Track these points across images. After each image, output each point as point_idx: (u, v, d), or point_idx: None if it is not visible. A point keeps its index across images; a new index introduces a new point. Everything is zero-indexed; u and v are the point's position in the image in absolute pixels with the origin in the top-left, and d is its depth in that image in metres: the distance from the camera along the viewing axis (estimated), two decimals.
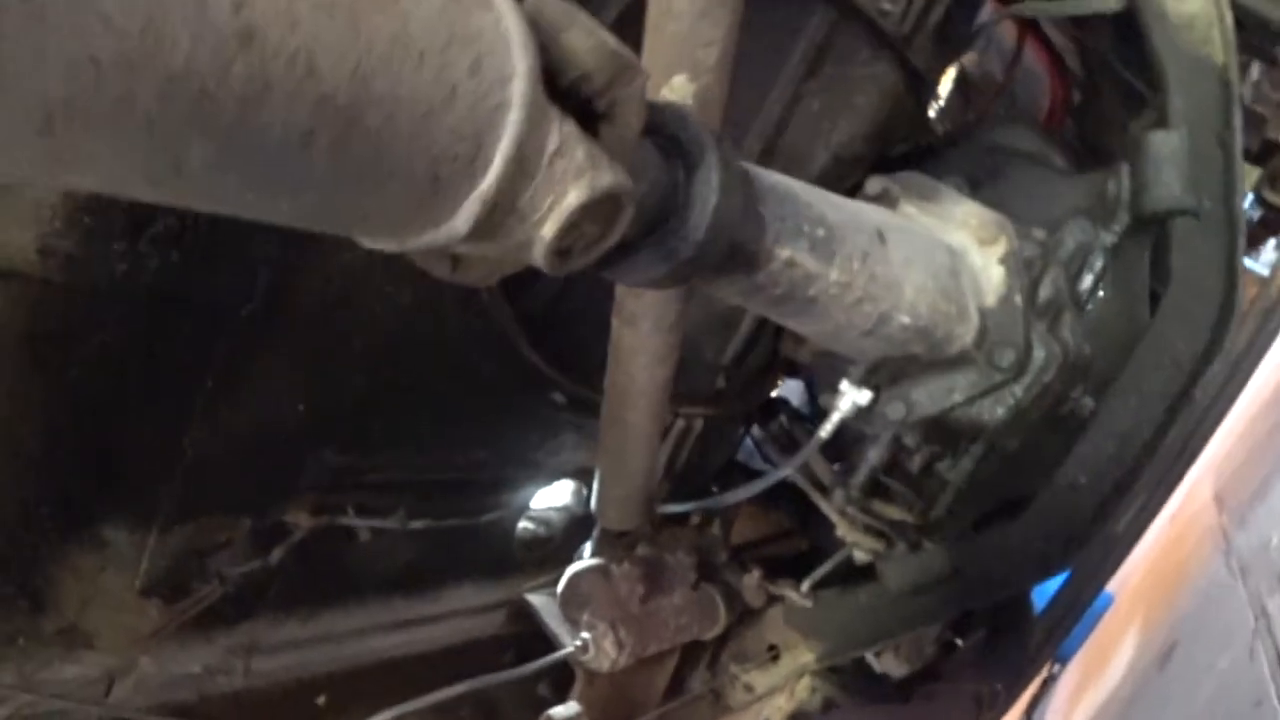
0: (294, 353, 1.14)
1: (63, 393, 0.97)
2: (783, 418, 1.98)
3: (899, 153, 1.77)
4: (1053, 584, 2.71)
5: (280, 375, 1.14)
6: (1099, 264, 1.62)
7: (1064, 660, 6.72)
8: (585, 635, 1.38)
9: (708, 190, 0.72)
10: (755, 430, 2.02)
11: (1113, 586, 5.89)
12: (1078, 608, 2.44)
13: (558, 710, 1.33)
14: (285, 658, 1.38)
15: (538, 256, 0.60)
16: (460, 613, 1.59)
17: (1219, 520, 3.71)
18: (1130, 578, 5.97)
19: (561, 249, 0.59)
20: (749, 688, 1.73)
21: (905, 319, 1.16)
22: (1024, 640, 2.27)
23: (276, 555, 1.26)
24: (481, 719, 1.59)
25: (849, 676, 1.89)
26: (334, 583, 1.42)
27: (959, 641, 2.48)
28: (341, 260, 1.10)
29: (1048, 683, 6.76)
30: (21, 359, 0.93)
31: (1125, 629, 4.78)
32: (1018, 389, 1.44)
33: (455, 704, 1.53)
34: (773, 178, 0.91)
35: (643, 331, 1.05)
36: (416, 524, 1.35)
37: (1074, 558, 1.80)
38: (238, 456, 1.17)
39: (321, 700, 1.43)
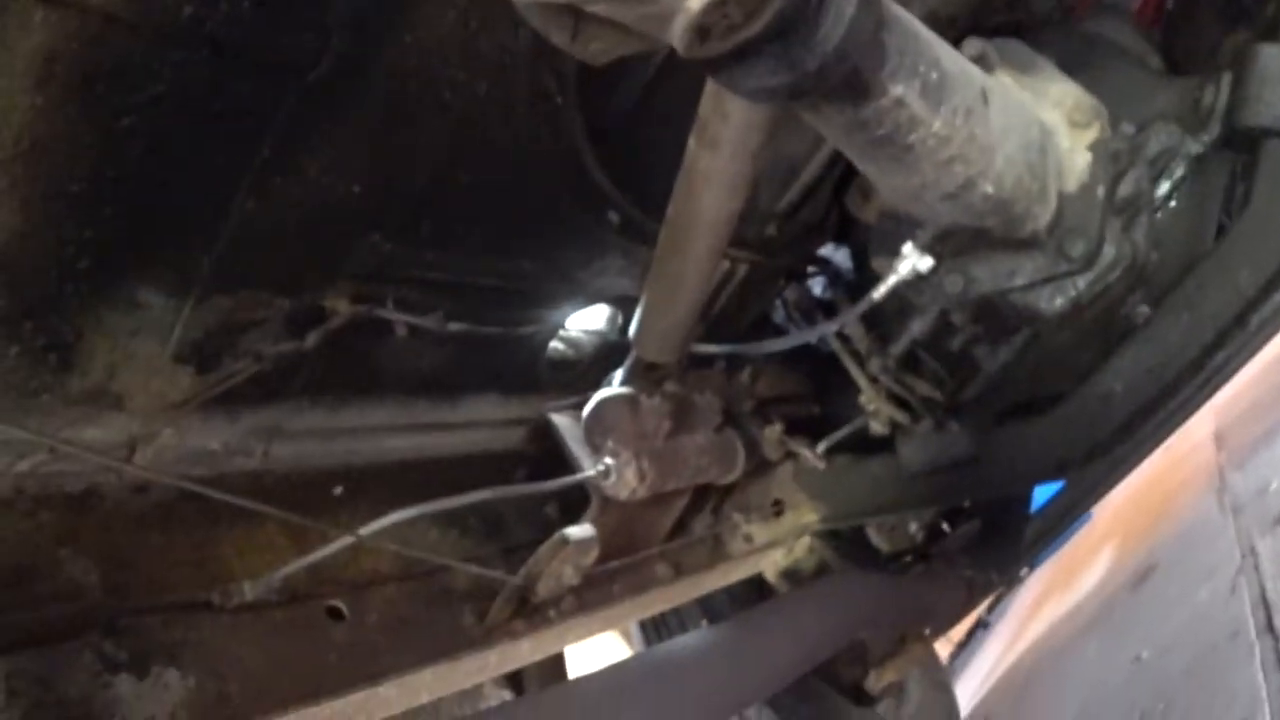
0: (358, 128, 1.09)
1: (112, 139, 0.93)
2: (822, 281, 1.95)
3: (993, 24, 1.69)
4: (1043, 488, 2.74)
5: (340, 150, 1.10)
6: (1179, 172, 1.57)
7: (1034, 566, 6.86)
8: (609, 460, 1.38)
9: (845, 3, 0.68)
10: (788, 292, 1.99)
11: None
12: (1074, 513, 2.46)
13: (574, 530, 1.33)
14: (305, 446, 1.38)
15: (676, 31, 0.55)
16: (480, 424, 1.59)
17: (1216, 458, 3.73)
18: (1112, 499, 6.06)
19: (703, 26, 0.55)
20: (749, 538, 1.75)
21: (989, 188, 1.12)
22: (1018, 536, 2.30)
23: (312, 339, 1.24)
24: (487, 531, 1.60)
25: (847, 544, 1.92)
26: (362, 377, 1.41)
27: (946, 528, 2.52)
28: (421, 38, 1.05)
29: (1013, 584, 6.91)
30: (74, 96, 0.88)
31: (1100, 547, 4.86)
32: (1081, 282, 1.40)
33: (463, 514, 1.55)
34: (897, 9, 0.85)
35: (722, 156, 1.00)
36: (454, 326, 1.33)
37: (1093, 465, 1.79)
38: (285, 230, 1.14)
39: (338, 491, 1.43)
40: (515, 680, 1.78)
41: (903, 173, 1.01)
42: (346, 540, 1.17)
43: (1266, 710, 1.45)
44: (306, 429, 1.38)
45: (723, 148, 1.00)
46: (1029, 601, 5.79)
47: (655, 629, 2.51)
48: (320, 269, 1.21)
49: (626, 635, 3.19)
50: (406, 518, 1.19)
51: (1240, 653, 1.73)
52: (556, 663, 1.78)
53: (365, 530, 1.17)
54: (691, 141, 1.05)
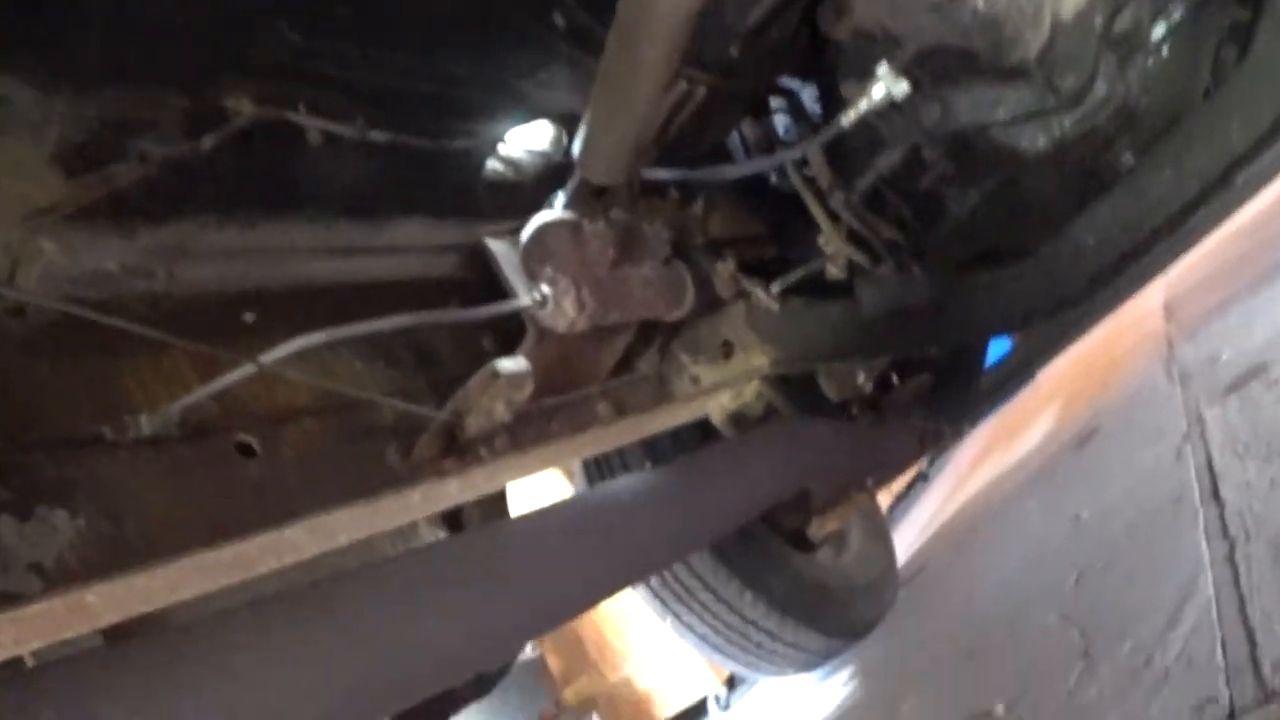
0: None
1: None
2: (785, 120, 1.82)
3: None
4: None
5: None
6: (1176, 15, 1.44)
7: (976, 423, 6.96)
8: (546, 289, 1.28)
9: None
10: (748, 129, 1.86)
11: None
12: (1028, 369, 2.42)
13: (506, 362, 1.24)
14: (213, 267, 1.25)
15: None
16: (408, 248, 1.47)
17: (1165, 328, 3.75)
18: (1056, 363, 6.12)
19: None
20: (696, 380, 1.67)
21: (979, 3, 1.00)
22: (972, 391, 2.26)
23: (209, 141, 1.10)
24: (417, 364, 1.49)
25: (797, 390, 1.85)
26: (276, 192, 1.28)
27: (895, 380, 2.47)
28: None
29: (955, 440, 7.02)
30: None
31: (1043, 409, 4.91)
32: (1067, 120, 1.30)
33: (391, 346, 1.44)
34: None
35: None
36: (376, 135, 1.20)
37: (1059, 317, 1.73)
38: (177, 15, 1.00)
39: (249, 318, 1.31)
40: (455, 522, 1.72)
41: None
42: (249, 368, 1.06)
43: (1209, 576, 1.43)
44: (214, 249, 1.25)
45: None
46: (969, 458, 5.89)
47: (599, 471, 2.46)
48: (219, 62, 1.07)
49: (570, 476, 3.15)
50: (314, 344, 1.09)
51: (1183, 518, 1.72)
52: (499, 503, 1.71)
53: (269, 356, 1.06)
54: None
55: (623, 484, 1.34)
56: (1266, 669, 1.10)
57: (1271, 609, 1.20)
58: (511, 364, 1.23)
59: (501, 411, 1.27)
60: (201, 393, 1.07)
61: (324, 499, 1.21)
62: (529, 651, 4.45)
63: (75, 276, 1.11)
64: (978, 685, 1.81)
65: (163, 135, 1.08)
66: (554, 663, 4.76)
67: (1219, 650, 1.22)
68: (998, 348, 2.76)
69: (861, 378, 2.45)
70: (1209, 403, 2.25)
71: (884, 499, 5.63)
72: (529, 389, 1.27)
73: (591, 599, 1.18)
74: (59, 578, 0.95)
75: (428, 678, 1.00)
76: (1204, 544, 1.55)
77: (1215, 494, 1.71)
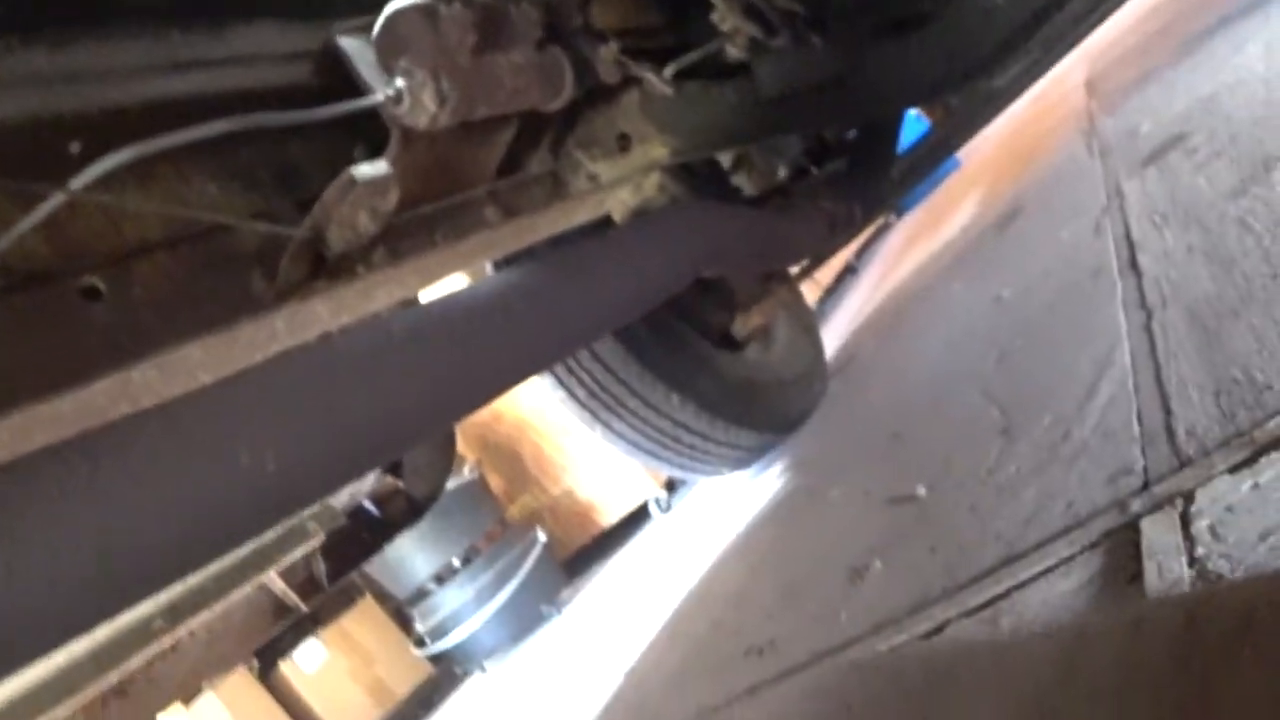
0: None
1: None
2: None
3: None
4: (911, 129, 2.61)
5: None
6: None
7: (903, 212, 6.97)
8: (400, 82, 1.14)
9: None
10: None
11: (961, 154, 6.07)
12: (943, 152, 2.34)
13: (362, 167, 1.12)
14: (24, 94, 1.09)
15: None
16: (253, 57, 1.31)
17: (1087, 104, 3.70)
18: (981, 146, 6.09)
19: None
20: (593, 177, 1.56)
21: None
22: (884, 173, 2.17)
23: None
24: (279, 184, 1.36)
25: (701, 181, 1.75)
26: (90, 4, 1.11)
27: (812, 169, 2.38)
28: None
29: (882, 231, 7.06)
30: None
31: (968, 194, 4.89)
32: None
33: (249, 166, 1.31)
34: None
35: None
36: None
37: (972, 88, 1.62)
38: None
39: (74, 147, 1.16)
40: None
41: None
42: (59, 198, 0.93)
43: (1126, 347, 1.40)
44: (21, 73, 1.09)
45: None
46: (896, 247, 5.90)
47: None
48: None
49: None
50: (124, 161, 0.96)
51: (1102, 290, 1.69)
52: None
53: (76, 182, 0.93)
54: None
55: (501, 277, 1.24)
56: (1181, 436, 1.07)
57: (1187, 376, 1.17)
58: (369, 168, 1.11)
59: (367, 222, 1.16)
60: (14, 232, 0.94)
61: (181, 335, 1.10)
62: (466, 473, 4.45)
63: None
64: (901, 469, 1.81)
65: None
66: (495, 482, 4.79)
67: (1135, 420, 1.19)
68: (916, 129, 2.67)
69: (781, 171, 2.35)
70: (1128, 175, 2.21)
71: (812, 293, 5.63)
72: (393, 196, 1.15)
73: (481, 394, 1.10)
74: None
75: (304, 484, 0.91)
76: (1121, 315, 1.52)
77: (1133, 265, 1.68)
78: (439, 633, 4.38)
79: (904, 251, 5.28)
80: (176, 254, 1.19)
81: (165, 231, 1.18)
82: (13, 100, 1.08)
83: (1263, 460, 0.91)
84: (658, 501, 4.30)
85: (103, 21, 1.13)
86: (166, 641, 1.45)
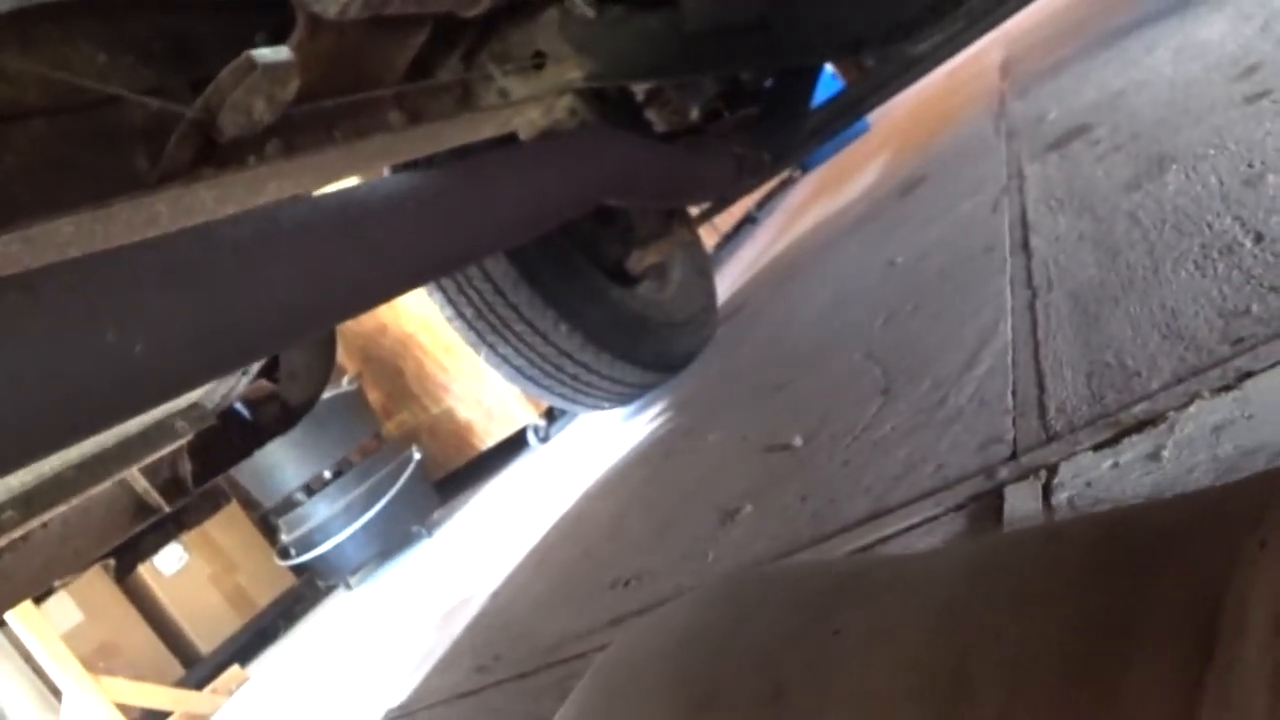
0: None
1: None
2: None
3: None
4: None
5: None
6: None
7: (808, 169, 7.03)
8: None
9: None
10: None
11: (871, 118, 6.13)
12: (854, 112, 2.35)
13: (263, 50, 1.06)
14: None
15: None
16: None
17: (999, 85, 3.77)
18: (891, 114, 6.17)
19: None
20: (504, 92, 1.51)
21: None
22: (797, 125, 2.17)
23: None
24: (177, 61, 1.28)
25: (613, 109, 1.72)
26: None
27: (726, 113, 2.37)
28: None
29: (785, 184, 7.10)
30: None
31: (875, 158, 4.95)
32: None
33: (145, 39, 1.23)
34: None
35: None
36: None
37: (890, 46, 1.62)
38: None
39: None
40: None
41: None
42: None
43: (1009, 322, 1.44)
44: None
45: None
46: (798, 202, 5.95)
47: None
48: None
49: None
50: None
51: (993, 266, 1.74)
52: None
53: None
54: None
55: (390, 180, 1.20)
56: (1051, 412, 1.10)
57: (1063, 355, 1.21)
58: (271, 53, 1.05)
59: (262, 110, 1.10)
60: None
61: (54, 209, 1.04)
62: (345, 384, 4.36)
63: None
64: (780, 418, 1.83)
65: None
66: (374, 396, 4.71)
67: (1009, 393, 1.23)
68: (831, 88, 2.68)
69: (694, 110, 2.33)
70: (1031, 158, 2.27)
71: (711, 239, 5.65)
72: (293, 85, 1.10)
73: (366, 297, 1.06)
74: None
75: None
76: (1009, 291, 1.56)
77: (1025, 245, 1.72)
78: (305, 545, 4.31)
79: (805, 207, 5.34)
80: (55, 122, 1.12)
81: (45, 97, 1.10)
82: None
83: (1125, 441, 0.95)
84: (536, 430, 4.30)
85: None
86: (17, 533, 1.39)
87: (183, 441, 1.58)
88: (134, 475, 1.64)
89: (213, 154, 1.18)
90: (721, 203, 2.59)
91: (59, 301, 0.74)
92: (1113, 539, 0.45)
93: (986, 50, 4.90)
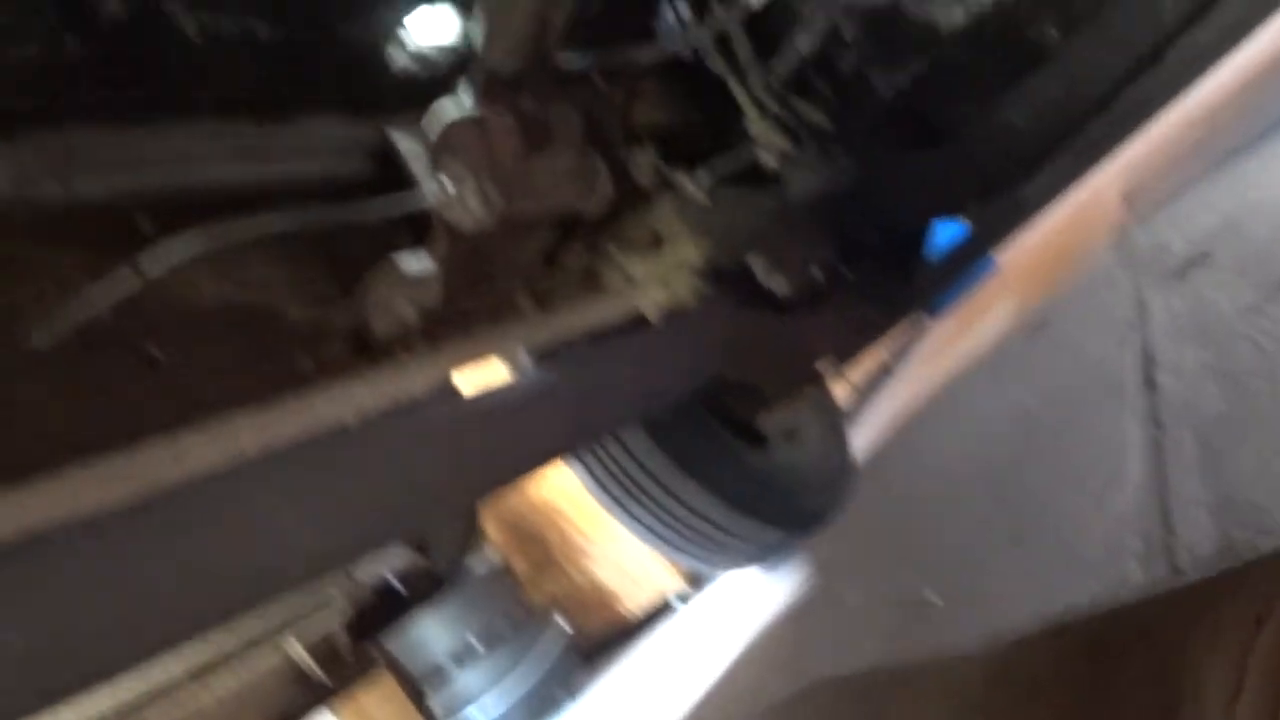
0: None
1: None
2: None
3: None
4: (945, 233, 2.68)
5: None
6: None
7: (938, 314, 7.01)
8: (447, 183, 1.22)
9: None
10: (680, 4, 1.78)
11: (998, 256, 6.11)
12: (968, 260, 2.39)
13: (408, 260, 1.19)
14: (105, 175, 1.18)
15: None
16: (314, 147, 1.40)
17: (1120, 213, 3.75)
18: (1015, 251, 6.15)
19: None
20: (626, 274, 1.63)
21: None
22: (911, 279, 2.23)
23: (74, 42, 1.03)
24: (330, 268, 1.44)
25: (732, 282, 1.81)
26: (161, 93, 1.20)
27: (845, 271, 2.44)
28: None
29: (917, 331, 7.09)
30: None
31: (1001, 298, 4.93)
32: None
33: (301, 249, 1.39)
34: None
35: None
36: (256, 25, 1.13)
37: (988, 202, 1.68)
38: None
39: (147, 226, 1.25)
40: None
41: None
42: (130, 279, 1.01)
43: (1136, 462, 1.43)
44: (104, 156, 1.18)
45: None
46: (929, 349, 5.93)
47: None
48: None
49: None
50: (191, 249, 1.04)
51: (1119, 404, 1.74)
52: None
53: (147, 263, 1.01)
54: None
55: (536, 366, 1.30)
56: (1181, 555, 1.10)
57: (1191, 495, 1.20)
58: (415, 263, 1.18)
59: (407, 311, 1.23)
60: (85, 305, 1.03)
61: (230, 406, 1.17)
62: (491, 555, 4.48)
63: None
64: (914, 572, 1.83)
65: (28, 36, 1.02)
66: (519, 565, 4.80)
67: (1138, 536, 1.22)
68: (952, 230, 2.73)
69: (815, 271, 2.42)
70: (1154, 289, 2.26)
71: (845, 392, 5.66)
72: (436, 290, 1.23)
73: (507, 474, 1.15)
74: None
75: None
76: (1135, 430, 1.56)
77: (1151, 380, 1.71)
78: (454, 712, 4.36)
79: (936, 353, 5.32)
80: (231, 329, 1.27)
81: (221, 307, 1.26)
82: (99, 179, 1.17)
83: None
84: (679, 593, 4.30)
85: (176, 111, 1.23)
86: (189, 703, 1.49)
87: (339, 612, 1.68)
88: (294, 647, 1.74)
89: (365, 351, 1.31)
90: (846, 360, 2.64)
91: (240, 494, 0.84)
92: (1106, 632, 0.49)
93: (1105, 178, 4.88)
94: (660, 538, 2.76)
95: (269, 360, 1.28)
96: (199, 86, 1.23)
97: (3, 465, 0.98)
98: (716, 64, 1.51)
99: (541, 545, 4.75)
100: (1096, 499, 1.42)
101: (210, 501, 0.84)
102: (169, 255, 1.04)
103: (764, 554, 2.95)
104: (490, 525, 4.72)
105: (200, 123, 1.26)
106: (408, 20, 1.33)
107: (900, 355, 6.75)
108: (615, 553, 4.50)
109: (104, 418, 1.08)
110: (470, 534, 1.85)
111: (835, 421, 3.42)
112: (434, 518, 1.08)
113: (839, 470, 3.20)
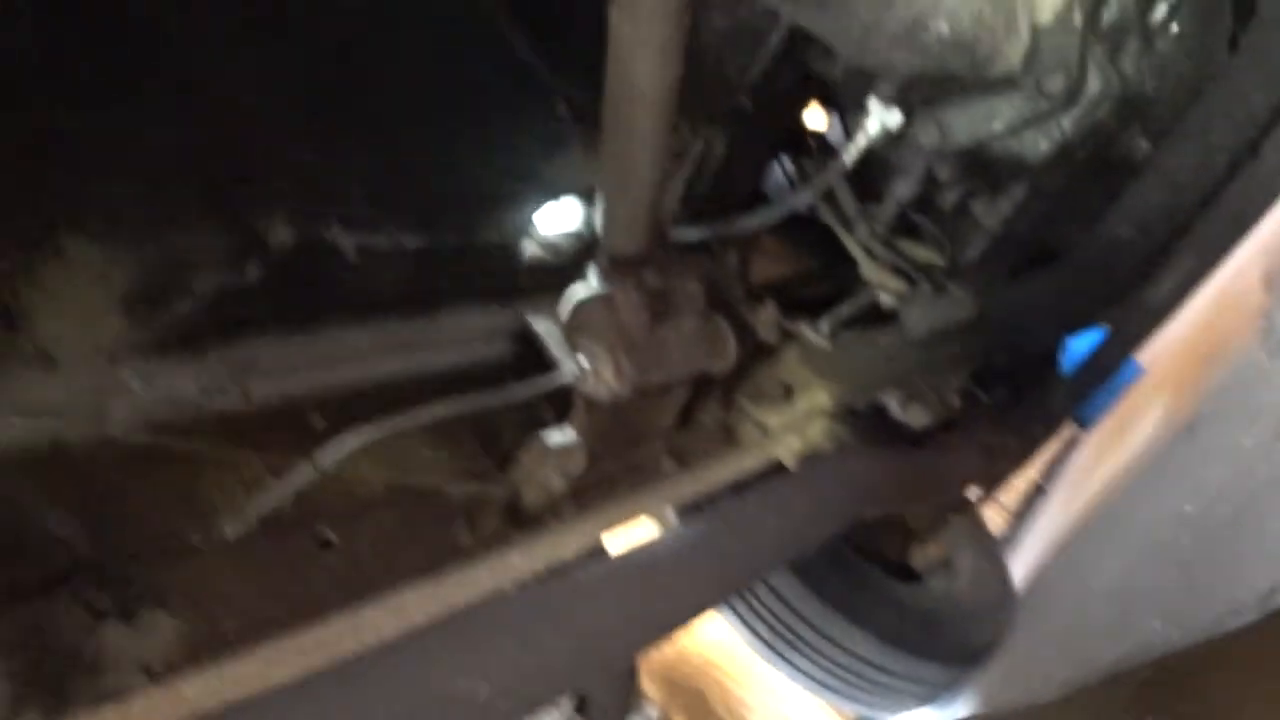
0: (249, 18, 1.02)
1: None
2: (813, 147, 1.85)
3: None
4: (1082, 343, 2.66)
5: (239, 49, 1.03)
6: None
7: (1088, 425, 6.79)
8: (583, 361, 1.32)
9: None
10: (788, 164, 1.89)
11: (1143, 358, 5.90)
12: (1106, 370, 2.38)
13: (553, 435, 1.28)
14: (280, 379, 1.34)
15: None
16: (460, 337, 1.54)
17: (1263, 302, 3.64)
18: (1162, 350, 5.96)
19: None
20: (760, 425, 1.69)
21: (944, 27, 1.02)
22: (1046, 398, 2.23)
23: (253, 271, 1.19)
24: (481, 445, 1.56)
25: (865, 421, 1.85)
26: (326, 303, 1.36)
27: (981, 395, 2.45)
28: None
29: (1069, 445, 6.86)
30: None
31: (1151, 401, 4.77)
32: (1066, 121, 1.30)
33: (455, 430, 1.51)
34: None
35: (642, 19, 0.92)
36: (407, 240, 1.27)
37: (1108, 315, 1.70)
38: (202, 153, 1.09)
39: (318, 422, 1.40)
40: None
41: (839, 17, 0.92)
42: (309, 470, 1.13)
43: None
44: (279, 362, 1.34)
45: (640, 10, 0.92)
46: (1083, 462, 5.73)
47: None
48: (247, 191, 1.16)
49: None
50: (360, 442, 1.15)
51: None
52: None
53: (322, 456, 1.13)
54: (611, 13, 0.96)
55: (679, 525, 1.37)
56: None
57: None
58: (560, 436, 1.27)
59: (557, 482, 1.32)
60: (270, 497, 1.15)
61: (399, 580, 1.27)
62: (651, 712, 4.43)
63: (157, 402, 1.20)
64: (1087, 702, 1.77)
65: (213, 267, 1.17)
66: (678, 719, 4.74)
67: None
68: (1090, 341, 2.71)
69: (951, 399, 2.44)
70: None
71: (999, 517, 5.50)
72: (581, 460, 1.32)
73: (661, 630, 1.20)
74: (162, 671, 1.03)
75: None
76: None
77: None
78: None
79: (1091, 466, 5.15)
80: (396, 509, 1.38)
81: (387, 490, 1.37)
82: (274, 383, 1.32)
83: None
84: None
85: (340, 317, 1.38)
86: None
87: None
88: None
89: (518, 521, 1.40)
90: (989, 487, 2.62)
91: (420, 662, 0.92)
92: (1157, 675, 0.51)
93: (1246, 262, 4.74)
94: (822, 685, 2.73)
95: (431, 535, 1.38)
96: (355, 294, 1.38)
97: (204, 642, 1.09)
98: (826, 216, 1.60)
99: (701, 699, 4.68)
100: (1261, 607, 1.39)
101: (386, 670, 0.93)
102: (341, 449, 1.15)
103: (929, 692, 2.87)
104: (648, 681, 4.69)
105: (358, 325, 1.41)
106: (536, 215, 1.47)
107: (1053, 473, 6.54)
108: (775, 703, 4.41)
109: (288, 597, 1.19)
110: (629, 691, 1.88)
111: (990, 549, 3.35)
112: (592, 675, 1.14)
113: (998, 599, 3.12)
